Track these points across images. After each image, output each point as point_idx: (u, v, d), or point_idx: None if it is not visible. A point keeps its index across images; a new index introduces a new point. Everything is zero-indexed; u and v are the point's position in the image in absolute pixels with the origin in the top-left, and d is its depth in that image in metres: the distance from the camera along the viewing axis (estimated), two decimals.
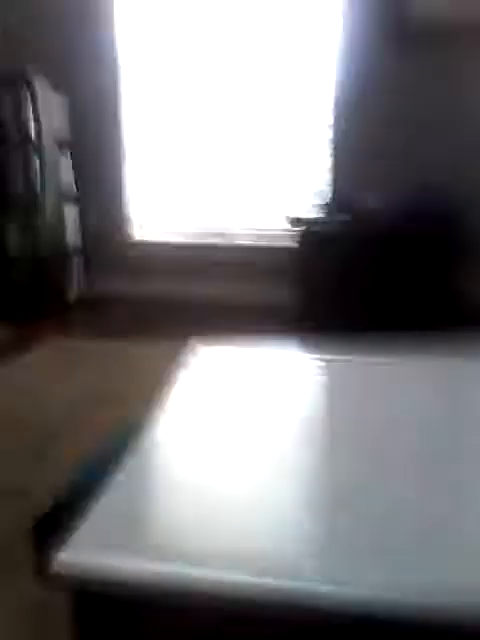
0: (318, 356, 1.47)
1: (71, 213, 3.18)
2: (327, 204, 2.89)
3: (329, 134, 3.03)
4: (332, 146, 3.03)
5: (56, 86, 3.01)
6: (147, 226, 3.39)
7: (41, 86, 2.94)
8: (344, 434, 1.12)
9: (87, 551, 0.80)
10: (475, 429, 1.12)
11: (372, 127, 2.92)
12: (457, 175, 2.85)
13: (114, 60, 3.15)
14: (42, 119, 2.93)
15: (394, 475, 0.98)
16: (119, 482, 0.94)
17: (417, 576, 0.76)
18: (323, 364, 1.46)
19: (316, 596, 0.74)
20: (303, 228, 2.72)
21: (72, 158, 3.16)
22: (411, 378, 1.33)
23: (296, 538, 0.85)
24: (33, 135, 2.92)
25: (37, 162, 2.95)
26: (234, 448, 1.07)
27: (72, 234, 3.20)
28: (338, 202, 2.89)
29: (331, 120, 3.01)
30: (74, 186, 3.19)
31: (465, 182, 2.81)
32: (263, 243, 3.23)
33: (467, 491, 0.96)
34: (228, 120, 3.14)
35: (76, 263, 3.24)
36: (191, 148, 3.21)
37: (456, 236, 2.66)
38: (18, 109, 2.90)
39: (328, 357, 1.45)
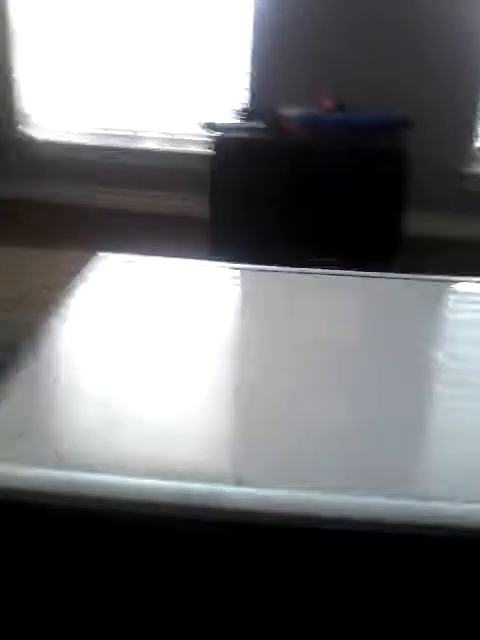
0: (228, 267, 1.42)
1: None
2: (245, 110, 2.69)
3: (249, 37, 2.79)
4: (252, 49, 2.80)
5: None
6: (46, 124, 3.11)
7: None
8: (253, 345, 1.10)
9: None
10: (385, 345, 1.13)
11: (297, 34, 2.71)
12: (392, 93, 2.66)
13: None
14: None
15: (305, 385, 0.97)
16: (13, 389, 0.89)
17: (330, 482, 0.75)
18: (233, 275, 1.41)
19: (230, 498, 0.72)
20: (218, 134, 2.52)
21: None
22: (321, 292, 1.33)
23: (208, 445, 0.84)
24: None
25: None
26: (140, 357, 1.03)
27: None
28: (256, 109, 2.69)
29: (252, 22, 2.78)
30: None
31: (404, 105, 2.58)
32: (175, 148, 3.04)
33: (376, 401, 0.95)
34: (142, 13, 2.85)
35: None
36: (98, 38, 2.91)
37: (392, 164, 2.42)
38: None
39: (239, 268, 1.40)
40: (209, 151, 2.52)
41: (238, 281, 1.43)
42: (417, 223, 2.74)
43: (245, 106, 2.80)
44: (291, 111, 2.57)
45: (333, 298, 1.33)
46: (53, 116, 3.12)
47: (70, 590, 0.77)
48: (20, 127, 3.08)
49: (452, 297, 1.44)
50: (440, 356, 1.13)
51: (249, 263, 1.42)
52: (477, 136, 2.82)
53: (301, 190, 2.47)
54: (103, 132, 3.09)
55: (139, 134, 3.08)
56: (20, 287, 2.35)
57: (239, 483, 0.74)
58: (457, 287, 1.45)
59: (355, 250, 2.37)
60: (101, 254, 1.39)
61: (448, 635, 0.77)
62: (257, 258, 1.44)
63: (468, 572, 0.74)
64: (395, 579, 0.74)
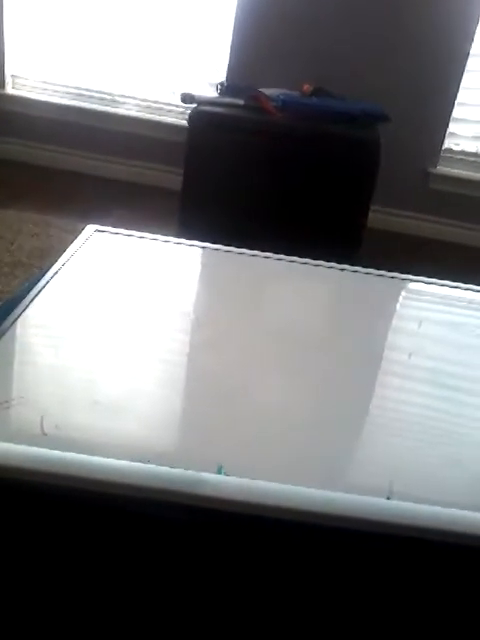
0: (198, 246, 1.43)
1: None
2: (224, 85, 2.65)
3: (233, 12, 2.78)
4: (235, 24, 2.79)
5: None
6: (24, 80, 3.06)
7: None
8: (225, 328, 1.12)
9: None
10: (351, 338, 1.16)
11: (281, 13, 2.72)
12: (371, 86, 2.70)
13: None
14: None
15: (273, 373, 0.99)
16: None
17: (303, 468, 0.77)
18: (203, 254, 1.43)
19: (203, 483, 0.73)
20: (195, 106, 2.49)
21: None
22: (289, 281, 1.35)
23: (179, 427, 0.86)
24: None
25: None
26: (123, 338, 1.03)
27: None
28: (235, 85, 2.64)
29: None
30: None
31: (382, 99, 2.61)
32: (153, 116, 3.02)
33: (343, 396, 0.98)
34: None
35: None
36: (87, 7, 2.89)
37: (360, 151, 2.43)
38: None
39: (209, 248, 1.41)
40: (184, 122, 2.52)
41: (223, 265, 1.41)
42: (382, 217, 2.81)
43: (224, 81, 2.79)
44: (270, 90, 2.57)
45: (299, 287, 1.35)
46: (34, 74, 3.04)
47: (47, 571, 0.77)
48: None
49: (410, 295, 1.49)
50: (401, 352, 1.16)
51: (213, 238, 1.42)
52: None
53: (272, 170, 2.46)
54: (82, 93, 3.04)
55: (119, 99, 3.04)
56: None
57: (220, 472, 0.75)
58: (416, 286, 1.50)
59: (321, 234, 2.42)
60: (90, 226, 1.37)
61: (410, 631, 0.79)
62: (223, 234, 1.45)
63: (436, 574, 0.76)
64: (365, 575, 0.77)
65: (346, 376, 1.04)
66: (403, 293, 1.46)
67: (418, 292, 1.49)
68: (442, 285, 1.47)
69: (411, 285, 1.48)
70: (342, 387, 1.01)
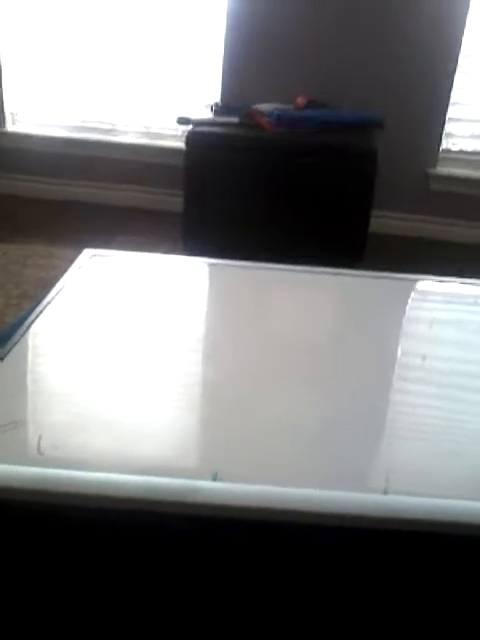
0: (202, 261, 1.44)
1: None
2: (219, 105, 2.70)
3: (223, 33, 2.80)
4: (226, 45, 2.80)
5: None
6: (23, 116, 3.10)
7: None
8: (229, 342, 1.11)
9: None
10: (353, 342, 1.15)
11: (271, 30, 2.73)
12: (364, 93, 2.69)
13: None
14: None
15: (278, 382, 0.99)
16: None
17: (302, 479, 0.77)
18: (211, 271, 1.43)
19: (206, 493, 0.73)
20: (191, 128, 2.51)
21: None
22: (292, 289, 1.35)
23: (184, 441, 0.86)
24: None
25: None
26: (119, 354, 1.04)
27: None
28: (230, 104, 2.68)
29: (226, 18, 2.78)
30: None
31: (376, 105, 2.62)
32: (152, 142, 3.04)
33: (346, 399, 0.97)
34: (120, 12, 2.87)
35: None
36: (76, 35, 2.92)
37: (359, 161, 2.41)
38: None
39: (212, 262, 1.42)
40: (182, 144, 2.52)
41: (220, 277, 1.43)
42: (383, 221, 2.80)
43: (218, 101, 2.81)
44: (264, 107, 2.59)
45: (304, 295, 1.35)
46: (32, 110, 3.09)
47: (45, 587, 0.78)
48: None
49: (419, 296, 1.47)
50: (407, 354, 1.15)
51: (219, 257, 1.44)
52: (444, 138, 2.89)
53: (271, 184, 2.48)
54: (80, 125, 3.08)
55: (117, 128, 3.07)
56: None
57: (215, 479, 0.75)
58: (423, 286, 1.48)
59: (323, 246, 2.41)
60: (87, 250, 1.39)
61: (411, 623, 0.79)
62: (227, 252, 1.46)
63: (433, 565, 0.76)
64: (363, 571, 0.76)
65: (357, 381, 1.03)
66: (411, 294, 1.44)
67: (426, 292, 1.47)
68: (449, 282, 1.45)
69: (418, 285, 1.46)
70: (353, 392, 1.00)
